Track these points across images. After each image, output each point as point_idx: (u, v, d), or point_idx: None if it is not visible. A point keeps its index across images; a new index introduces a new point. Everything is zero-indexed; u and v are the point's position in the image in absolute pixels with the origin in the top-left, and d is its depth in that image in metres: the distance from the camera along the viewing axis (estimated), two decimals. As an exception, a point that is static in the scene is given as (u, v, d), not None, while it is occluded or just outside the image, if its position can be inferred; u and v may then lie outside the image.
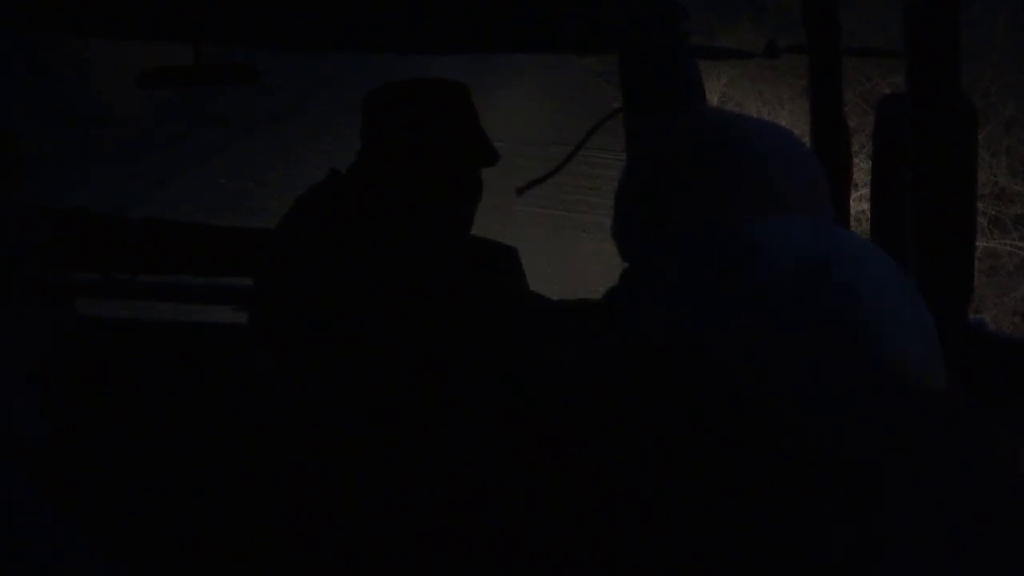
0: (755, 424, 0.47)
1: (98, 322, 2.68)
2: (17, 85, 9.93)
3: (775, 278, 0.72)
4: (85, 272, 2.79)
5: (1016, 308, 7.37)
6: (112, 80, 9.12)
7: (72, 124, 9.97)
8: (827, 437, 0.45)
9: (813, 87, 2.11)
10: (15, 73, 10.01)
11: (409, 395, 1.84)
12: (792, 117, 10.13)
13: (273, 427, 2.00)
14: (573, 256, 7.67)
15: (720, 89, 12.37)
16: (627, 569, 0.42)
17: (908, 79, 1.72)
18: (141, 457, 2.18)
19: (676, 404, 0.51)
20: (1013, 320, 7.81)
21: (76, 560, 0.84)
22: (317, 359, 1.97)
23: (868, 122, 1.96)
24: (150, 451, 2.20)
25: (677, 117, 1.36)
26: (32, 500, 0.85)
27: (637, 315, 0.79)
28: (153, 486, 2.14)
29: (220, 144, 10.35)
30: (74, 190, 7.78)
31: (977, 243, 1.81)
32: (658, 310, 0.76)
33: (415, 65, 2.23)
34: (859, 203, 6.55)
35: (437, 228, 2.13)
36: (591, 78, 13.41)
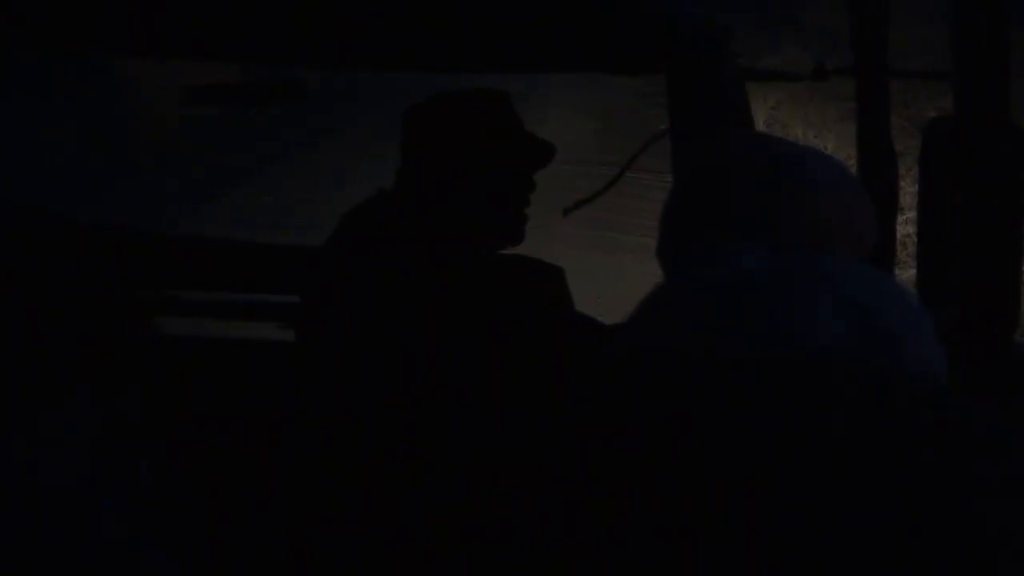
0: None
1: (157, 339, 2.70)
2: (66, 104, 10.04)
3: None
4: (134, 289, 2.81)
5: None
6: (159, 98, 9.21)
7: (119, 142, 10.07)
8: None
9: (860, 110, 2.10)
10: (63, 92, 10.12)
11: (455, 411, 1.85)
12: (838, 140, 10.09)
13: (318, 444, 2.01)
14: (618, 278, 7.65)
15: (766, 111, 12.34)
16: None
17: (956, 102, 1.71)
18: (187, 470, 2.19)
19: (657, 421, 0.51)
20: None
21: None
22: (364, 377, 1.97)
23: (915, 146, 1.95)
24: (194, 465, 2.22)
25: (725, 141, 1.36)
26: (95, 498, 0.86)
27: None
28: (200, 500, 2.15)
29: (265, 162, 10.42)
30: (121, 207, 7.85)
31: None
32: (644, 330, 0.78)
33: (456, 84, 2.24)
34: (905, 227, 6.49)
35: (485, 240, 2.13)
36: (637, 99, 13.39)
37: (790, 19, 13.20)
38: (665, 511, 0.40)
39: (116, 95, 10.84)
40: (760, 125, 10.83)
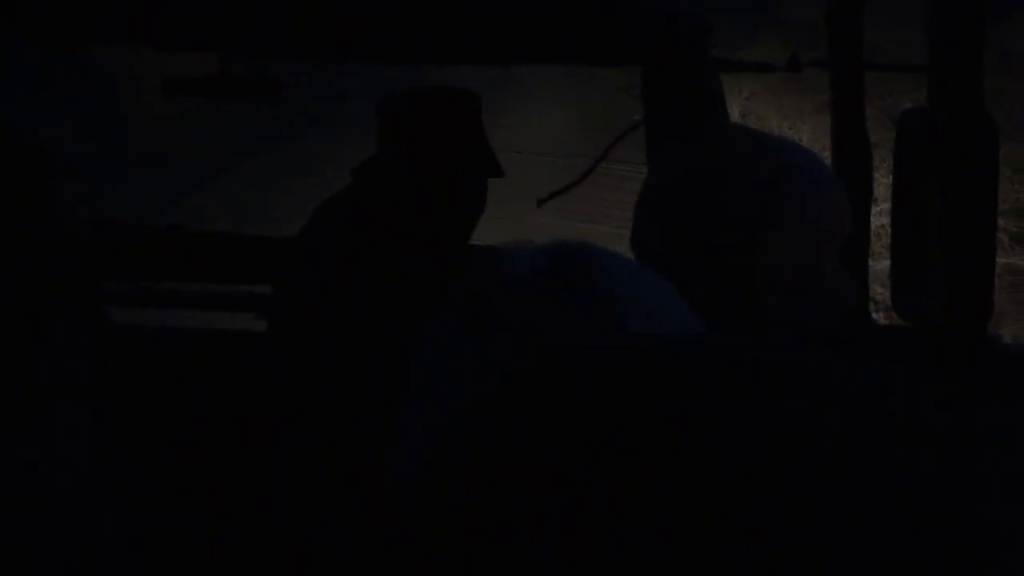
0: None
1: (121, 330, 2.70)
2: (47, 96, 9.99)
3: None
4: (109, 281, 2.80)
5: (1038, 324, 7.33)
6: (138, 90, 9.17)
7: (99, 133, 10.03)
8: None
9: (835, 101, 2.12)
10: (45, 84, 10.07)
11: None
12: (813, 131, 10.11)
13: (290, 431, 2.01)
14: (593, 268, 7.63)
15: (741, 102, 12.32)
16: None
17: (930, 94, 1.73)
18: (164, 461, 2.19)
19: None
20: (1035, 336, 7.77)
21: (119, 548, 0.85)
22: (334, 365, 1.98)
23: (889, 137, 1.97)
24: (172, 456, 2.22)
25: (699, 134, 1.37)
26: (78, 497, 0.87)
27: None
28: (175, 491, 2.15)
29: (243, 155, 10.39)
30: (101, 198, 7.82)
31: (998, 259, 1.82)
32: None
33: (438, 78, 2.24)
34: (879, 218, 6.51)
35: (446, 234, 2.15)
36: (614, 91, 13.38)
37: (774, 16, 13.23)
38: (660, 511, 0.40)
39: (96, 87, 10.79)
40: (735, 116, 10.82)
